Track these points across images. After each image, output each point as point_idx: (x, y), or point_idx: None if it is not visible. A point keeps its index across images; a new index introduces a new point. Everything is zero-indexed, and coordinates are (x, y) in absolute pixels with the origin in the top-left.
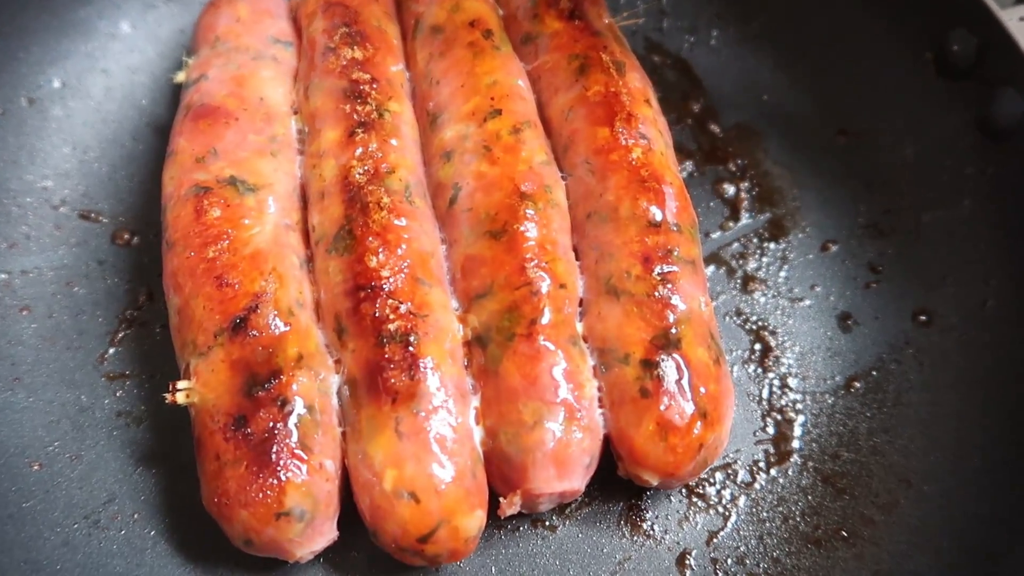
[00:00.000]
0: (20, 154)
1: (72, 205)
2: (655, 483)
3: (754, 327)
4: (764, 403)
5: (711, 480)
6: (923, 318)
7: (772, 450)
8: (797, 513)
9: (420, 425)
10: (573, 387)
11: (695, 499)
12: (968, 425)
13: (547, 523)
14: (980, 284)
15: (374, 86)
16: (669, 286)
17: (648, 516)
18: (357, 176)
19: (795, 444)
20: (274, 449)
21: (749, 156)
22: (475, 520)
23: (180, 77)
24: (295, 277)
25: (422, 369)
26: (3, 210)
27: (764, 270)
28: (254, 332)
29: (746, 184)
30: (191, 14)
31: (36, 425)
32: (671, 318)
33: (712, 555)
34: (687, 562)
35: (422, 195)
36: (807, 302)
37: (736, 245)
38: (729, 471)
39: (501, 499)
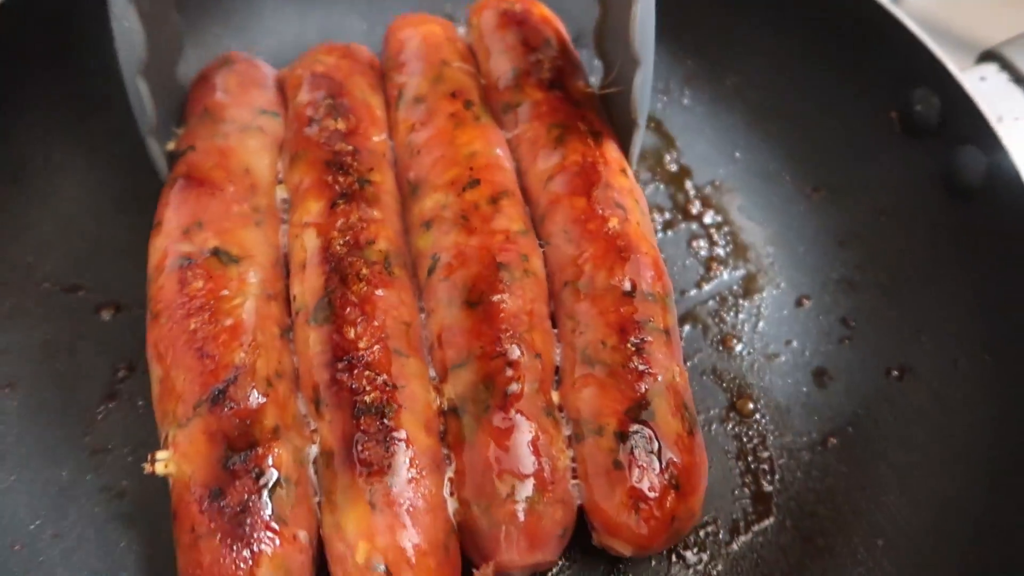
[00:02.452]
0: (3, 231)
1: (55, 279)
2: (628, 554)
3: (731, 385)
4: (742, 461)
5: (691, 541)
6: (896, 373)
7: (751, 508)
8: (777, 573)
9: (393, 497)
10: (547, 459)
11: (675, 560)
12: (944, 481)
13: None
14: (952, 341)
15: (356, 157)
16: (643, 356)
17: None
18: (338, 247)
19: (774, 501)
20: (248, 521)
21: (723, 213)
22: None
23: (170, 146)
24: (275, 347)
25: (396, 441)
26: None
27: (739, 327)
28: (232, 404)
29: (720, 241)
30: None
31: (18, 504)
32: (644, 389)
33: None
34: None
35: (402, 264)
36: (782, 358)
37: (711, 303)
38: (709, 530)
39: (474, 570)
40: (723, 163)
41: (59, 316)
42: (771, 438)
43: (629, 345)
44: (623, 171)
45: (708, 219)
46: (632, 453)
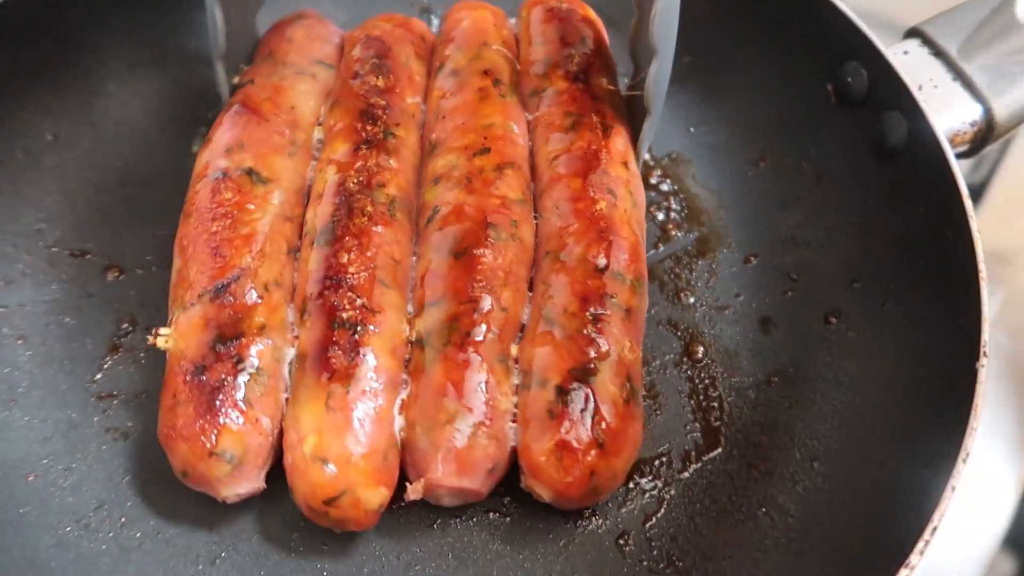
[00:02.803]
0: (16, 200)
1: (64, 244)
2: (547, 499)
3: (684, 333)
4: (694, 399)
5: (648, 470)
6: (833, 319)
7: (702, 440)
8: (723, 495)
9: (348, 403)
10: (490, 398)
11: (633, 486)
12: (870, 412)
13: (501, 512)
14: (881, 287)
15: (387, 111)
16: (598, 327)
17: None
18: (351, 184)
19: (722, 433)
20: (220, 397)
21: (678, 182)
22: (377, 495)
23: (235, 80)
24: (279, 261)
25: (361, 356)
26: (1, 251)
27: (693, 282)
28: (230, 298)
29: (676, 207)
30: (169, 74)
31: (31, 441)
32: (592, 355)
33: (648, 535)
34: (625, 541)
35: (406, 211)
36: (731, 309)
37: (668, 262)
38: (664, 460)
39: (408, 484)
40: (678, 137)
41: (67, 277)
42: (720, 379)
43: (588, 314)
44: (624, 164)
45: (665, 187)
46: (567, 407)
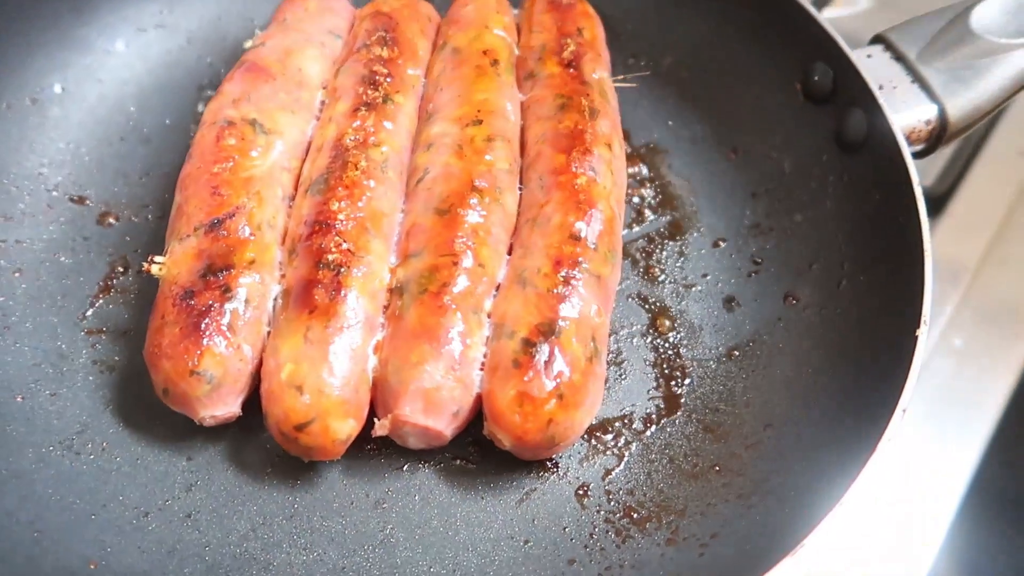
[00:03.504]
0: (21, 144)
1: (64, 190)
2: (507, 445)
3: (653, 307)
4: (658, 367)
5: (610, 428)
6: (792, 299)
7: (663, 405)
8: (680, 455)
9: (326, 337)
10: (460, 345)
11: (595, 443)
12: (821, 379)
13: (468, 460)
14: (837, 269)
15: (388, 79)
16: (569, 287)
17: (554, 457)
18: (348, 141)
19: (682, 400)
20: (205, 321)
21: (655, 170)
22: (346, 425)
23: (247, 44)
24: (274, 205)
25: (342, 295)
26: (3, 189)
27: (664, 262)
28: (224, 232)
29: (651, 192)
30: (176, 39)
31: (21, 365)
32: (560, 313)
33: (607, 488)
34: (585, 493)
35: (398, 171)
36: (698, 288)
37: (641, 241)
38: (625, 421)
39: (375, 420)
40: (657, 128)
41: (66, 220)
42: (684, 350)
43: (559, 276)
44: (608, 145)
45: (643, 174)
46: (531, 358)
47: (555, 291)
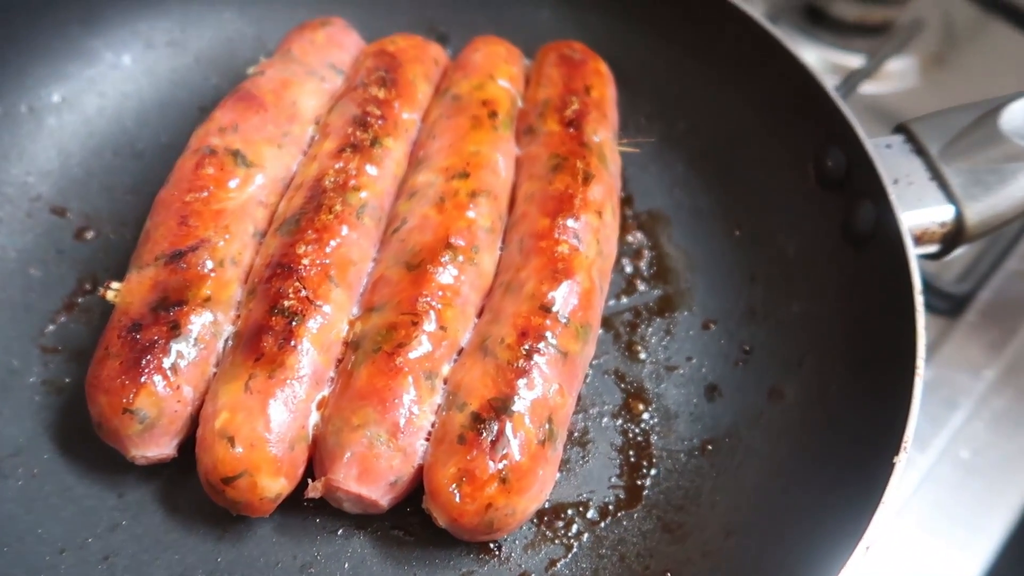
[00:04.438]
0: (11, 151)
1: (46, 200)
2: (442, 524)
3: (629, 387)
4: (624, 453)
5: (563, 514)
6: (777, 396)
7: (623, 496)
8: (632, 553)
9: (268, 388)
10: (407, 412)
11: (544, 528)
12: (793, 492)
13: (407, 531)
14: (828, 369)
15: (380, 121)
16: (530, 362)
17: (498, 540)
18: (327, 182)
19: (645, 493)
20: (147, 358)
21: (654, 239)
22: (275, 484)
23: (250, 70)
24: (242, 242)
25: (291, 345)
26: None
27: (648, 339)
28: (184, 265)
29: (646, 262)
30: (184, 58)
31: None
32: (517, 389)
33: None
34: None
35: (376, 218)
36: (681, 371)
37: (627, 314)
38: (580, 508)
39: (310, 480)
40: (662, 196)
41: (42, 231)
42: (655, 438)
43: (522, 348)
44: (598, 213)
45: (639, 242)
46: (479, 435)
47: (516, 364)
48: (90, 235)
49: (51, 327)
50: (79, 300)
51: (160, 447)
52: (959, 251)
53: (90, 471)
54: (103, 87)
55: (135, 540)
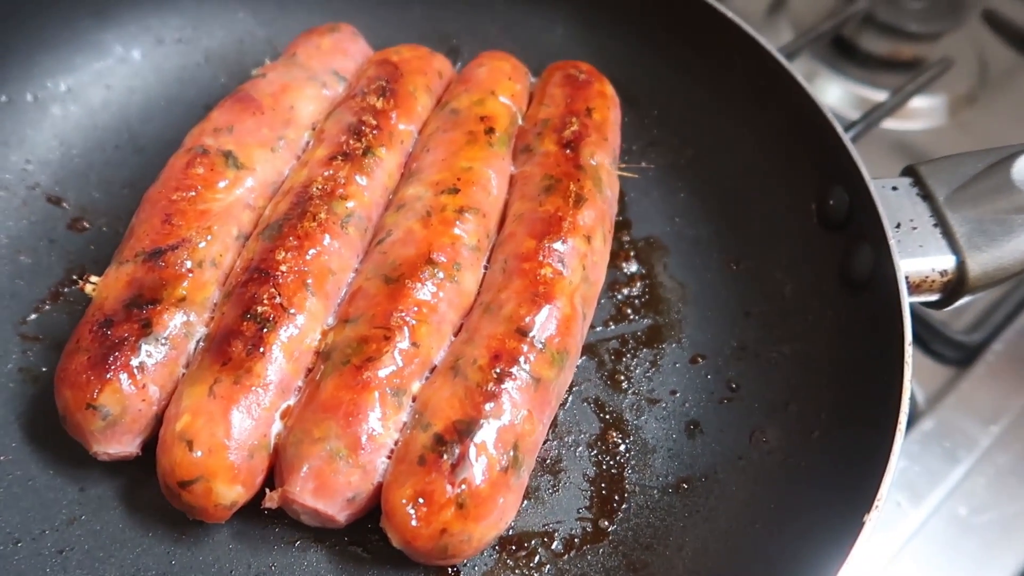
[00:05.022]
0: (12, 137)
1: (43, 189)
2: (396, 544)
3: (608, 417)
4: (596, 485)
5: (526, 543)
6: (760, 438)
7: (590, 528)
8: None
9: (232, 394)
10: (370, 428)
11: (506, 556)
12: (763, 543)
13: (364, 547)
14: (813, 416)
15: (375, 131)
16: (500, 387)
17: (456, 565)
18: (315, 189)
19: (613, 527)
20: (115, 355)
21: (649, 267)
22: (231, 491)
23: (254, 72)
24: (224, 244)
25: (260, 352)
26: None
27: (632, 369)
28: (162, 264)
29: (639, 290)
30: (194, 55)
31: None
32: (484, 412)
33: None
34: None
35: (361, 229)
36: (663, 404)
37: (614, 342)
38: (545, 538)
39: (267, 490)
40: (661, 224)
41: (36, 219)
42: (629, 472)
43: (493, 371)
44: (587, 238)
45: (633, 269)
46: (439, 457)
47: (485, 388)
48: (83, 226)
49: (34, 315)
50: (64, 290)
51: (123, 445)
52: (965, 300)
53: (55, 463)
54: (110, 80)
55: (92, 536)
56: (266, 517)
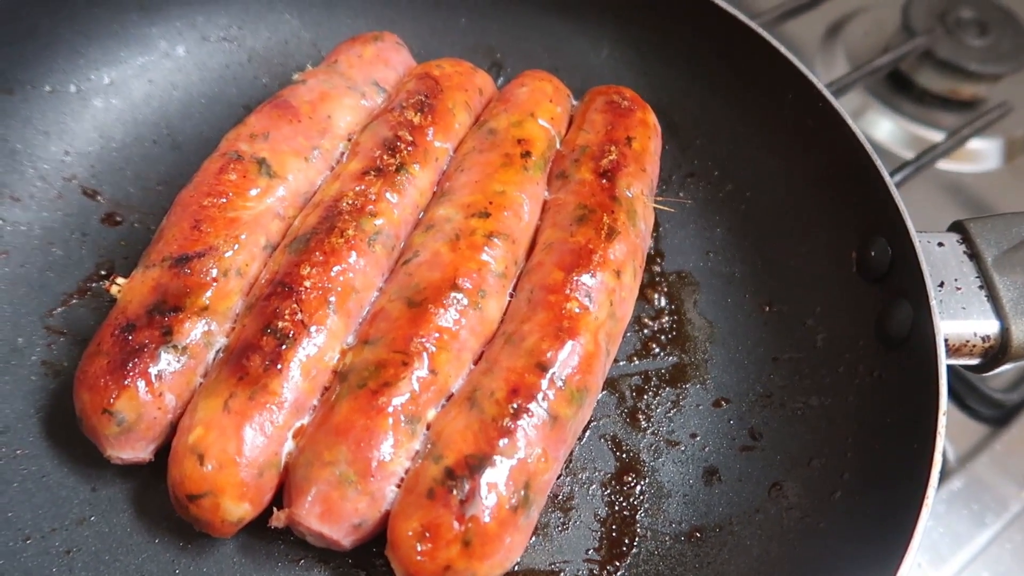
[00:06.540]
0: (53, 127)
1: (80, 181)
2: (399, 575)
3: (624, 456)
4: (607, 526)
5: None
6: (779, 492)
7: (597, 571)
8: None
9: (246, 409)
10: (381, 455)
11: None
12: None
13: (368, 572)
14: (836, 475)
15: (410, 148)
16: (516, 423)
17: None
18: (345, 204)
19: (620, 573)
20: (133, 361)
21: (678, 302)
22: (239, 508)
23: (295, 76)
24: (251, 253)
25: (278, 368)
26: (20, 168)
27: (653, 409)
28: (188, 271)
29: (666, 325)
30: (238, 55)
31: None
32: (498, 448)
33: None
34: None
35: (389, 247)
36: (682, 448)
37: (636, 378)
38: None
39: (275, 509)
40: (694, 258)
41: (71, 211)
42: (642, 515)
43: (511, 406)
44: (617, 273)
45: (662, 303)
46: (449, 491)
47: (501, 423)
48: (116, 221)
49: (60, 309)
50: (92, 285)
51: (136, 451)
52: (1006, 368)
53: (70, 460)
54: (153, 75)
55: (99, 538)
56: (272, 533)
